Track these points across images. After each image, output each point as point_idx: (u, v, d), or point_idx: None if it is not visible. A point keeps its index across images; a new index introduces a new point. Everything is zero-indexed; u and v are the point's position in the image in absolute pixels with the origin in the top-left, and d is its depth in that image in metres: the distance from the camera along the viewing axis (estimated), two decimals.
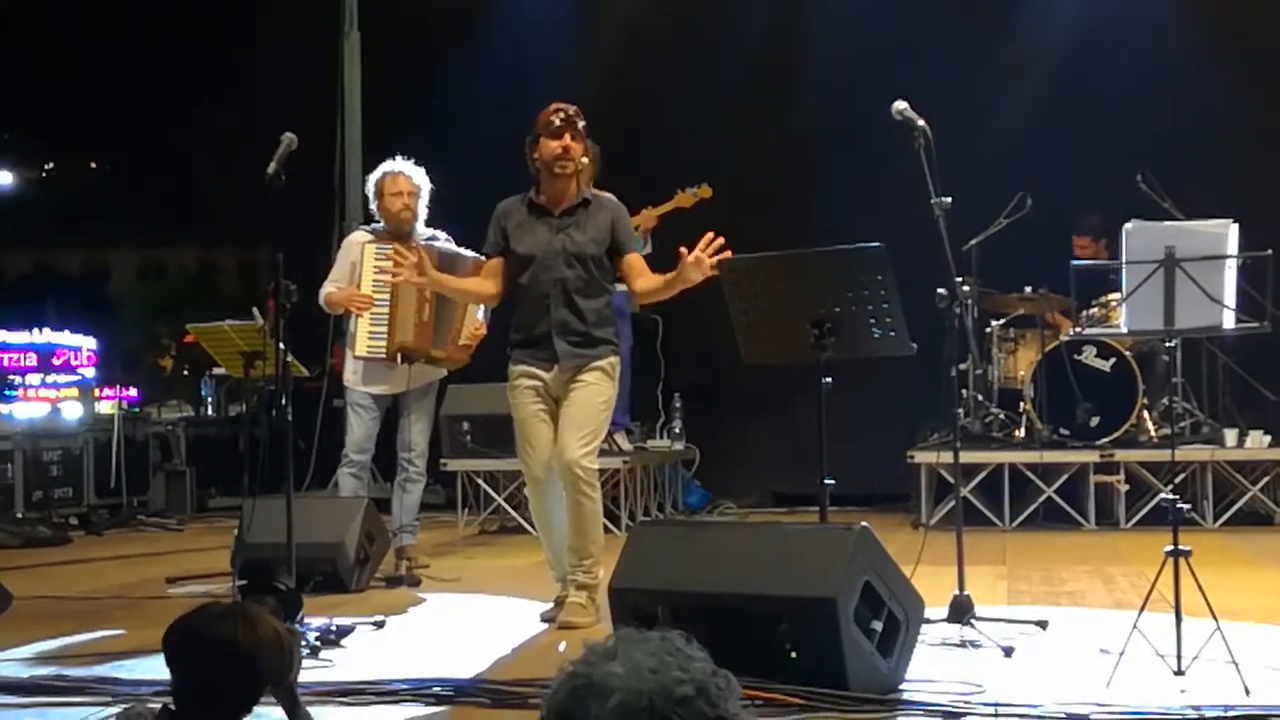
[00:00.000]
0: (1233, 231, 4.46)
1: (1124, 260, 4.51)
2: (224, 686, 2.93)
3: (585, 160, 5.90)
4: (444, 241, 7.18)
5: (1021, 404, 9.35)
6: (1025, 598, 6.40)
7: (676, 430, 10.22)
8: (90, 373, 11.62)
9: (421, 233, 7.23)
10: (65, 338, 11.80)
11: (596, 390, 5.87)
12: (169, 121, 19.09)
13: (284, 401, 5.75)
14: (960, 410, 9.35)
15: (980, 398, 9.52)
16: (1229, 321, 4.51)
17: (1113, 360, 8.98)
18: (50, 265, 30.16)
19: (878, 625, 4.44)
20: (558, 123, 5.81)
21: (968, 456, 8.85)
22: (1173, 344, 4.94)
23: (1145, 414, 9.12)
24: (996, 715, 4.15)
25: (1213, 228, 4.46)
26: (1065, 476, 9.02)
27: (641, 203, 9.14)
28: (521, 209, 5.95)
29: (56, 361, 11.50)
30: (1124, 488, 8.95)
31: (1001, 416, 9.59)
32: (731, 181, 9.92)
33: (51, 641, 5.64)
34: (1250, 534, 8.51)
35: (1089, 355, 9.03)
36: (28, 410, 10.83)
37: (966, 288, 7.10)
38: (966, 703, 4.27)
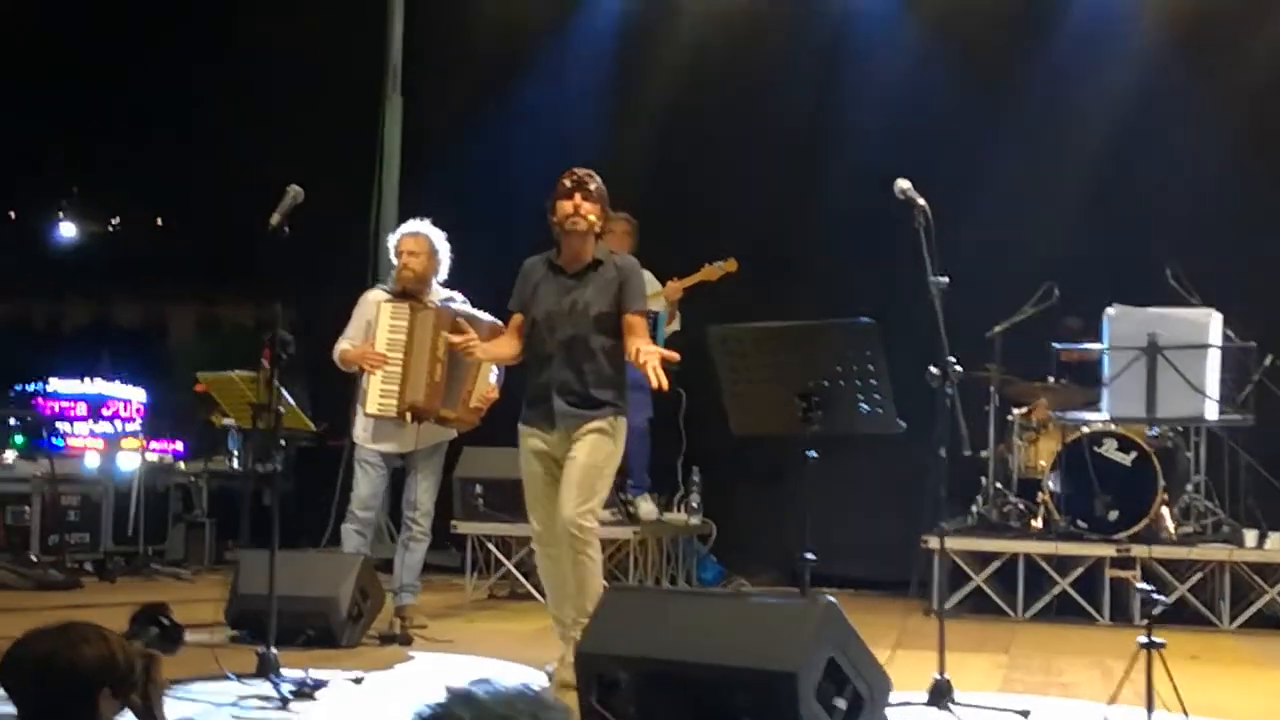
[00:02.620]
0: (1215, 320, 4.41)
1: (1106, 345, 4.48)
2: (50, 703, 2.96)
3: (593, 218, 6.04)
4: (460, 304, 7.22)
5: (1040, 494, 9.23)
6: (1018, 686, 6.32)
7: (694, 504, 10.13)
8: (137, 424, 11.71)
9: (438, 293, 7.28)
10: (116, 389, 11.93)
11: (594, 449, 5.94)
12: (224, 178, 19.31)
13: (278, 451, 5.79)
14: (979, 497, 9.31)
15: (999, 486, 9.42)
16: (1211, 412, 4.45)
17: (1134, 454, 8.83)
18: (107, 318, 30.52)
19: (841, 703, 4.39)
20: (569, 184, 6.07)
21: (983, 544, 8.82)
22: (1195, 435, 4.87)
23: (1165, 510, 8.96)
24: None
25: (1194, 315, 4.41)
26: (1081, 569, 8.88)
27: (674, 271, 9.23)
28: (542, 268, 6.15)
29: (106, 412, 11.61)
30: (1140, 584, 8.76)
31: (1020, 506, 9.47)
32: (758, 248, 9.97)
33: None
34: (1266, 637, 8.29)
35: (1110, 448, 8.88)
36: (77, 459, 10.88)
37: (982, 374, 7.05)
38: None
